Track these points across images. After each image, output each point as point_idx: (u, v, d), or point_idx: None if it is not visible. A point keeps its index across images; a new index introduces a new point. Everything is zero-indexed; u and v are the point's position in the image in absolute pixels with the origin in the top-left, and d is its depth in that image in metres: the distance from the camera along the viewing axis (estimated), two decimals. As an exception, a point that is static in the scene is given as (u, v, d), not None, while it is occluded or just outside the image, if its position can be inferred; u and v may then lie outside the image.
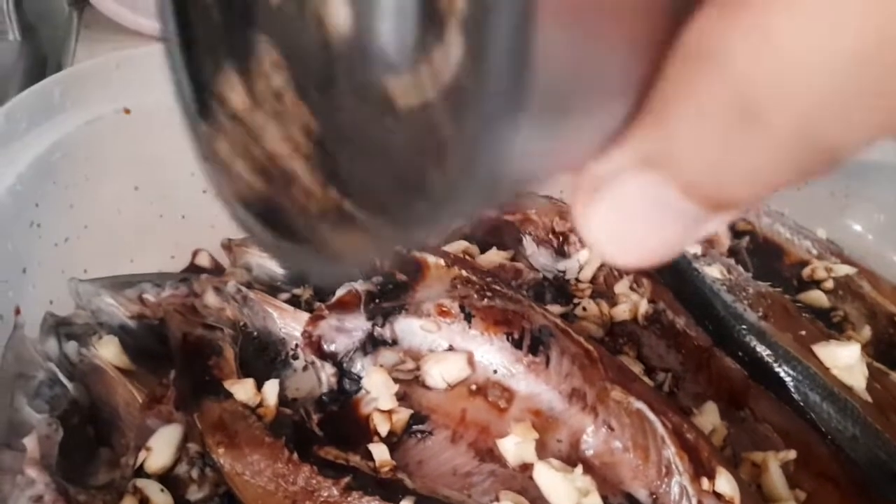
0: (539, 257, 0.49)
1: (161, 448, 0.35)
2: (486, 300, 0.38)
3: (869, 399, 0.38)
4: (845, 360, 0.38)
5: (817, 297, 0.47)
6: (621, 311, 0.44)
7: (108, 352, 0.40)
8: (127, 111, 0.44)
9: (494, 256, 0.48)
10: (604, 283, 0.47)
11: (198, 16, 0.17)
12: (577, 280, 0.47)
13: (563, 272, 0.48)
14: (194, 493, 0.35)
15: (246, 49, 0.16)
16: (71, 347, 0.40)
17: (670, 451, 0.33)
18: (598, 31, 0.12)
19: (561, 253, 0.49)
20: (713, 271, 0.42)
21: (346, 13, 0.13)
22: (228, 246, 0.45)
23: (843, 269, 0.48)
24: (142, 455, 0.35)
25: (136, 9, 0.63)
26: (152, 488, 0.34)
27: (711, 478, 0.32)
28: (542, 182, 0.15)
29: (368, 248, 0.15)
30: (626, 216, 0.15)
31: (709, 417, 0.38)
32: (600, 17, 0.12)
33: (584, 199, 0.15)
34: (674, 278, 0.44)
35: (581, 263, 0.47)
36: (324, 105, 0.15)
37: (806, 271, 0.48)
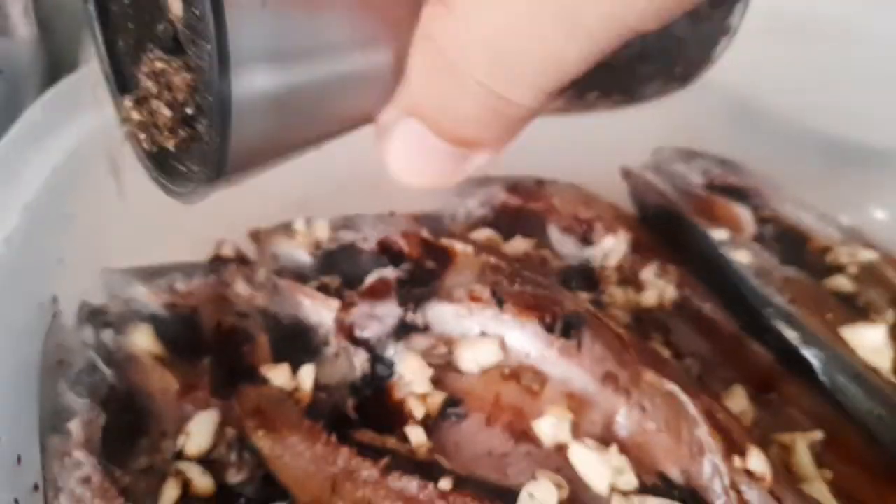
0: (564, 245, 0.49)
1: (199, 432, 0.36)
2: (516, 286, 0.39)
3: (895, 380, 0.38)
4: (872, 341, 0.38)
5: (841, 282, 0.47)
6: (648, 298, 0.44)
7: (142, 340, 0.40)
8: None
9: (520, 244, 0.49)
10: (629, 271, 0.47)
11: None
12: (603, 267, 0.47)
13: (589, 259, 0.48)
14: (234, 476, 0.35)
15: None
16: (107, 335, 0.40)
17: (702, 431, 0.33)
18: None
19: (585, 240, 0.49)
20: (740, 256, 0.42)
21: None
22: (256, 235, 0.46)
23: (866, 256, 0.48)
24: (181, 439, 0.36)
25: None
26: (194, 471, 0.34)
27: (743, 456, 0.33)
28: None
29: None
30: (405, 154, 0.20)
31: (737, 401, 0.39)
32: None
33: (378, 144, 0.21)
34: (701, 264, 0.45)
35: (606, 251, 0.48)
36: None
37: (829, 257, 0.49)
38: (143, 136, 0.24)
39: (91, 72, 0.48)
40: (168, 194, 0.24)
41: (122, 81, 0.25)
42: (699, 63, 0.23)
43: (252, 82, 0.18)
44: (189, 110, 0.21)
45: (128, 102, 0.23)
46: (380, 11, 0.19)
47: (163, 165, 0.24)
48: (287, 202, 0.51)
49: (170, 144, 0.23)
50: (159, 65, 0.21)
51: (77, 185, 0.43)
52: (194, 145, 0.22)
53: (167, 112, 0.22)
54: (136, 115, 0.23)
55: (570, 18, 0.17)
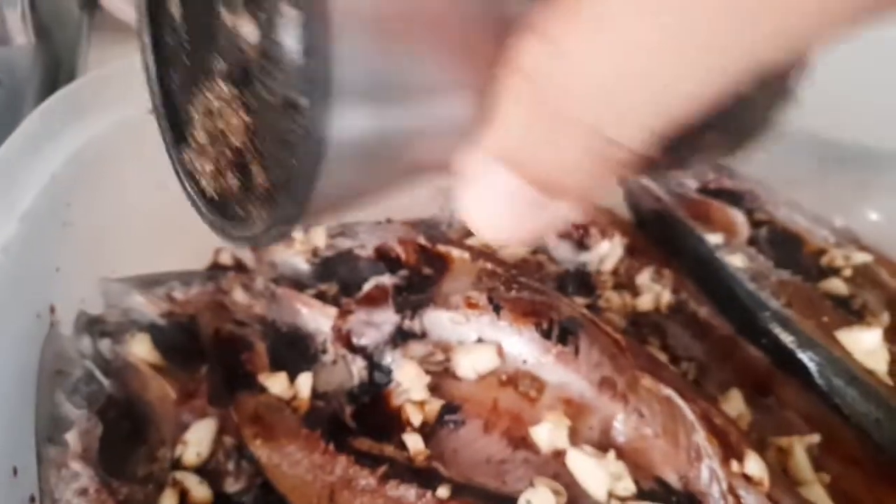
0: (560, 250, 0.50)
1: (197, 441, 0.36)
2: (513, 292, 0.39)
3: (891, 383, 0.39)
4: (867, 344, 0.38)
5: (836, 285, 0.47)
6: (644, 302, 0.44)
7: (140, 349, 0.40)
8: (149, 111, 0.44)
9: (516, 250, 0.49)
10: (625, 275, 0.47)
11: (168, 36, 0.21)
12: (599, 272, 0.47)
13: (585, 264, 0.48)
14: (232, 485, 0.35)
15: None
16: (105, 345, 0.40)
17: (700, 436, 0.33)
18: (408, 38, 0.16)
19: (581, 245, 0.49)
20: (735, 260, 0.42)
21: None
22: (255, 243, 0.46)
23: (861, 258, 0.49)
24: (179, 448, 0.36)
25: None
26: (191, 480, 0.34)
27: (741, 460, 0.33)
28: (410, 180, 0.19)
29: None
30: (488, 203, 0.18)
31: (734, 404, 0.39)
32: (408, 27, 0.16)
33: (458, 191, 0.18)
34: (696, 268, 0.45)
35: (602, 255, 0.48)
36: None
37: (824, 260, 0.49)
38: (198, 177, 0.22)
39: (91, 81, 0.49)
40: (226, 239, 0.21)
41: (174, 118, 0.23)
42: (756, 128, 0.22)
43: (349, 122, 0.16)
44: (248, 154, 0.19)
45: (186, 144, 0.22)
46: (470, 46, 0.17)
47: (220, 208, 0.22)
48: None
49: (227, 187, 0.21)
50: (216, 103, 0.19)
51: (75, 193, 0.43)
52: (255, 190, 0.19)
53: (226, 153, 0.20)
54: (191, 157, 0.22)
55: (712, 53, 0.15)
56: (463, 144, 0.18)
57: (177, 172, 0.23)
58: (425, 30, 0.16)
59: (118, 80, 0.46)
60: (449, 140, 0.18)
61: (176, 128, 0.23)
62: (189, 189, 0.22)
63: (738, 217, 0.49)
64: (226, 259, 0.51)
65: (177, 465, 0.36)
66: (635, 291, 0.45)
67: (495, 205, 0.18)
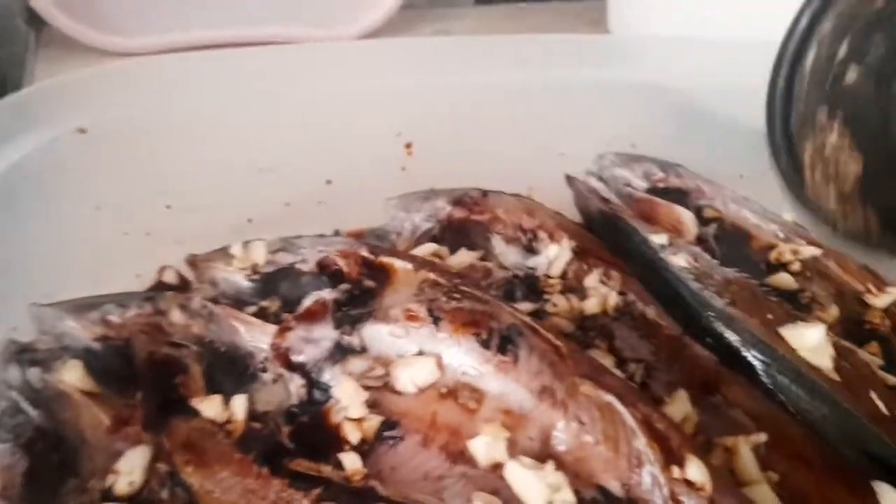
0: (509, 255, 0.49)
1: (129, 470, 0.35)
2: (453, 302, 0.38)
3: (837, 378, 0.38)
4: (811, 340, 0.38)
5: (785, 279, 0.47)
6: (591, 305, 0.44)
7: (72, 376, 0.39)
8: (82, 130, 0.43)
9: (464, 257, 0.48)
10: (574, 278, 0.47)
11: None
12: (547, 276, 0.47)
13: (533, 269, 0.48)
14: (166, 514, 0.34)
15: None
16: (34, 374, 0.39)
17: (640, 442, 0.33)
18: None
19: (530, 250, 0.49)
20: (679, 260, 0.42)
21: None
22: (193, 262, 0.45)
23: (809, 251, 0.49)
24: (110, 478, 0.35)
25: (93, 26, 0.62)
26: (121, 512, 0.33)
27: (682, 466, 0.32)
28: None
29: None
30: None
31: (679, 405, 0.38)
32: None
33: None
34: (642, 269, 0.44)
35: (550, 259, 0.47)
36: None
37: (773, 254, 0.49)
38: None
39: (20, 99, 0.48)
40: None
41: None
42: None
43: None
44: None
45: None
46: None
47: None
48: (233, 223, 0.50)
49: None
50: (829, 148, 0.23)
51: (4, 214, 0.42)
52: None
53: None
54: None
55: None
56: None
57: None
58: None
59: (48, 98, 0.45)
60: None
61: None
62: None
63: (686, 215, 0.48)
64: (170, 278, 0.50)
65: (107, 496, 0.35)
66: (583, 295, 0.45)
67: None
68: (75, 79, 0.43)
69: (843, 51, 0.23)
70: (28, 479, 0.34)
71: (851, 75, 0.23)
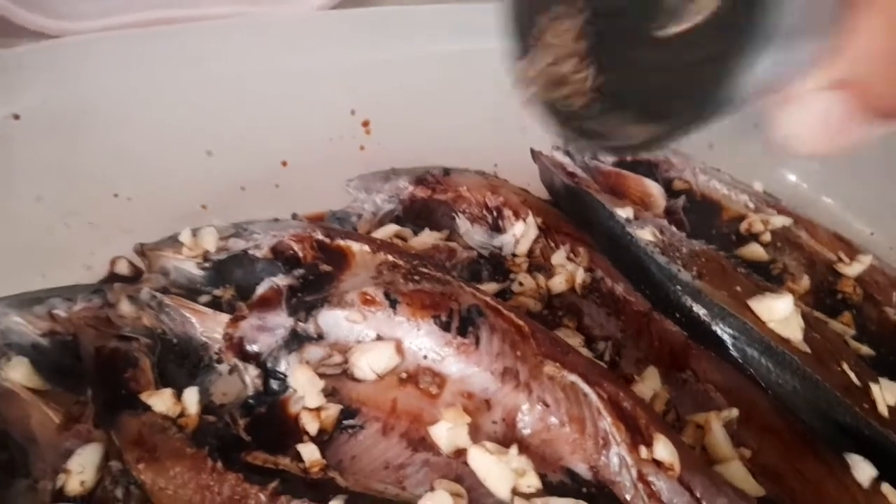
0: (474, 234, 0.47)
1: (80, 469, 0.33)
2: (412, 284, 0.37)
3: (808, 350, 0.38)
4: (780, 312, 0.37)
5: (755, 250, 0.46)
6: (558, 283, 0.42)
7: (18, 373, 0.37)
8: (16, 117, 0.41)
9: (428, 238, 0.47)
10: (541, 256, 0.45)
11: None
12: (514, 255, 0.45)
13: (500, 248, 0.46)
14: (118, 514, 0.33)
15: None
16: (-24, 373, 0.37)
17: (607, 422, 0.32)
18: None
19: (496, 228, 0.47)
20: (645, 234, 0.41)
21: None
22: (142, 251, 0.43)
23: (780, 221, 0.48)
24: (61, 478, 0.33)
25: (28, 6, 0.58)
26: (71, 513, 0.32)
27: (649, 445, 0.31)
28: (755, 101, 0.21)
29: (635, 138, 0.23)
30: (813, 121, 0.21)
31: (650, 383, 0.38)
32: None
33: (786, 107, 0.21)
34: (609, 244, 0.43)
35: (517, 237, 0.46)
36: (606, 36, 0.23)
37: (743, 225, 0.48)
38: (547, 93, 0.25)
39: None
40: (584, 146, 0.25)
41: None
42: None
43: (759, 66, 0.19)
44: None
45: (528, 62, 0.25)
46: None
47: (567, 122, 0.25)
48: (186, 211, 0.48)
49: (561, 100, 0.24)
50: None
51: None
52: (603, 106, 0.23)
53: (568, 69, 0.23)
54: (532, 73, 0.25)
55: None
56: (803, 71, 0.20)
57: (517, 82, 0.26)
58: None
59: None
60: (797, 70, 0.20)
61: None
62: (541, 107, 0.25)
63: (654, 188, 0.47)
64: (123, 269, 0.48)
65: (59, 496, 0.33)
66: (551, 273, 0.44)
67: (824, 124, 0.21)
68: (7, 61, 0.41)
69: None
70: (-31, 484, 0.32)
71: None
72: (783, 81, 0.21)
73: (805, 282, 0.45)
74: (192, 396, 0.35)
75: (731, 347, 0.38)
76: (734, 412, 0.36)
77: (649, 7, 0.22)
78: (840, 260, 0.46)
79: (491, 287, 0.43)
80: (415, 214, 0.49)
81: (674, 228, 0.42)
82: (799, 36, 0.20)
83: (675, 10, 0.21)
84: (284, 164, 0.51)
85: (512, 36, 0.26)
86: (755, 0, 0.19)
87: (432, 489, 0.30)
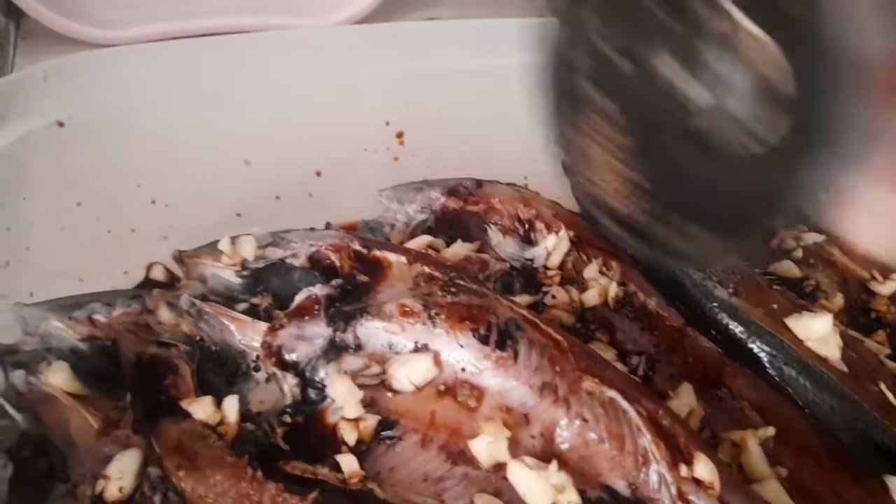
0: (506, 247, 0.48)
1: (119, 475, 0.34)
2: (450, 296, 0.37)
3: (845, 369, 0.37)
4: (818, 331, 0.37)
5: (788, 267, 0.46)
6: (591, 297, 0.43)
7: (58, 378, 0.38)
8: (60, 124, 0.41)
9: (460, 249, 0.47)
10: (573, 269, 0.46)
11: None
12: (546, 267, 0.45)
13: (531, 260, 0.46)
14: (157, 520, 0.33)
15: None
16: (18, 377, 0.37)
17: (646, 440, 0.32)
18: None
19: (527, 241, 0.47)
20: (681, 249, 0.41)
21: (707, 96, 0.21)
22: (180, 258, 0.43)
23: (812, 238, 0.47)
24: (100, 484, 0.34)
25: (74, 17, 0.60)
26: (111, 519, 0.32)
27: (689, 464, 0.31)
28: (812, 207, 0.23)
29: (698, 253, 0.24)
30: (873, 223, 0.21)
31: (685, 399, 0.38)
32: None
33: (840, 211, 0.21)
34: (643, 259, 0.43)
35: (549, 250, 0.46)
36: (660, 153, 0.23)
37: (775, 242, 0.48)
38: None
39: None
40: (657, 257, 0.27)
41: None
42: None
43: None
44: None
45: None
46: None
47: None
48: (222, 218, 0.49)
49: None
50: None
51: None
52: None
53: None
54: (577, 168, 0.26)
55: None
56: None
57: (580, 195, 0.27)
58: None
59: (20, 91, 0.43)
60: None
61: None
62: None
63: (687, 203, 0.47)
64: (159, 274, 0.49)
65: (98, 502, 0.33)
66: (583, 286, 0.44)
67: (881, 225, 0.21)
68: (52, 70, 0.41)
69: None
70: (14, 486, 0.33)
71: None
72: (839, 184, 0.21)
73: (839, 300, 0.45)
74: (232, 405, 0.35)
75: (767, 365, 0.38)
76: (770, 430, 0.36)
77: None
78: (874, 278, 0.46)
79: (524, 299, 0.43)
80: (447, 226, 0.49)
81: (709, 245, 0.42)
82: (849, 138, 0.20)
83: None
84: (318, 174, 0.51)
85: (551, 122, 0.27)
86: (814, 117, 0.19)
87: (472, 503, 0.31)
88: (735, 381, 0.38)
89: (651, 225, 0.24)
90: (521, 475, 0.31)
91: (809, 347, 0.37)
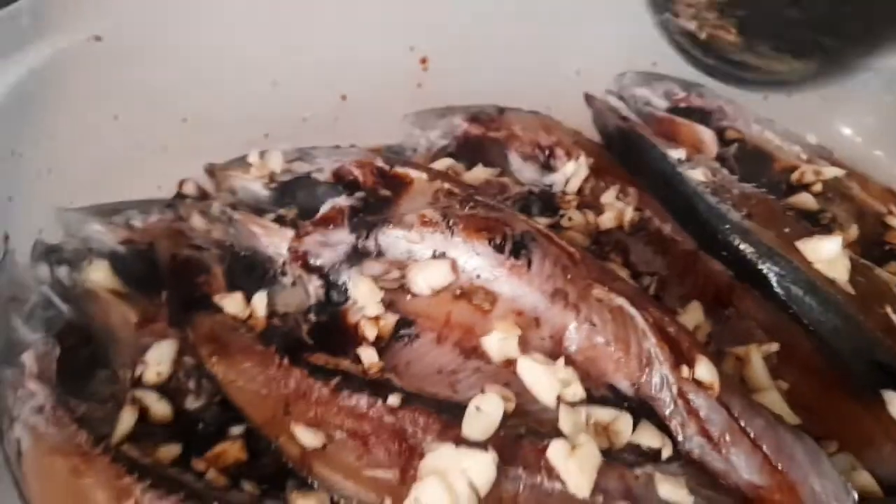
0: (525, 172, 0.49)
1: (157, 361, 0.36)
2: (467, 209, 0.39)
3: (852, 291, 0.38)
4: (827, 252, 0.38)
5: (805, 199, 0.46)
6: (607, 220, 0.44)
7: (99, 275, 0.40)
8: (98, 38, 0.43)
9: (481, 173, 0.48)
10: (590, 195, 0.47)
11: None
12: (564, 192, 0.47)
13: (550, 185, 0.47)
14: (192, 403, 0.35)
15: None
16: (63, 272, 0.40)
17: (651, 343, 0.33)
18: None
19: (547, 167, 0.48)
20: (697, 174, 0.42)
21: None
22: (212, 171, 0.45)
23: (832, 172, 0.48)
24: (139, 368, 0.36)
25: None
26: (151, 398, 0.35)
27: (691, 366, 0.33)
28: None
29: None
30: None
31: (693, 315, 0.39)
32: None
33: None
34: (660, 184, 0.44)
35: (567, 176, 0.47)
36: None
37: (794, 175, 0.48)
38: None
39: (28, 6, 0.47)
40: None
41: None
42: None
43: None
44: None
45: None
46: None
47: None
48: (250, 138, 0.50)
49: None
50: None
51: (22, 123, 0.43)
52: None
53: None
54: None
55: None
56: None
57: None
58: None
59: (60, 4, 0.44)
60: None
61: None
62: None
63: (707, 134, 0.48)
64: (190, 190, 0.51)
65: (136, 384, 0.36)
66: (600, 211, 0.45)
67: None
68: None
69: None
70: (61, 366, 0.35)
71: None
72: None
73: (853, 231, 0.45)
74: (261, 300, 0.37)
75: (775, 286, 0.38)
76: (774, 346, 0.37)
77: None
78: (890, 212, 0.47)
79: (541, 221, 0.44)
80: (468, 151, 0.50)
81: (725, 171, 0.43)
82: None
83: None
84: (344, 97, 0.52)
85: None
86: None
87: (483, 392, 0.33)
88: (743, 301, 0.40)
89: (742, 50, 0.25)
90: (530, 369, 0.32)
91: (818, 269, 0.38)
